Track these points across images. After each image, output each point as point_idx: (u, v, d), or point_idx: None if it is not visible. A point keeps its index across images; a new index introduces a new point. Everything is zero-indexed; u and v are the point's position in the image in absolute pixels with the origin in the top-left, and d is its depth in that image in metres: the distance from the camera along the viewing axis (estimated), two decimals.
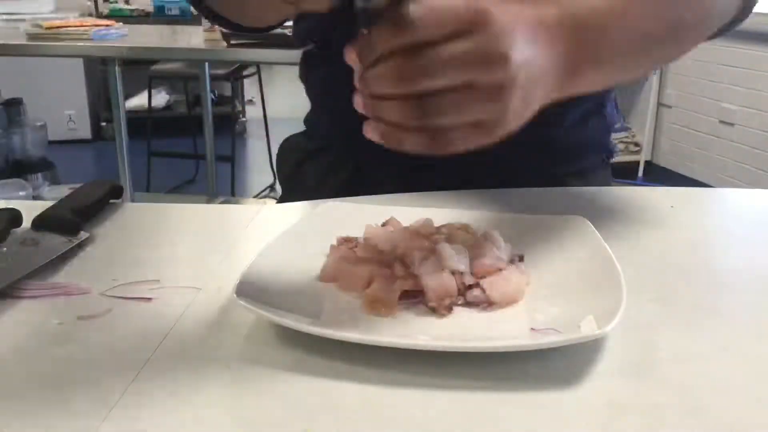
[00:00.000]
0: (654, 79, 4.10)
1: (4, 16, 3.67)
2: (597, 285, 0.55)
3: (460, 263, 0.55)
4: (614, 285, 0.53)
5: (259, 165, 4.43)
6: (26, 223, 0.69)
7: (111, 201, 0.78)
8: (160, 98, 4.94)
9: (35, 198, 2.95)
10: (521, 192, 0.82)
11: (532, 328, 0.50)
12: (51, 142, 3.66)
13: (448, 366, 0.47)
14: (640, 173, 4.24)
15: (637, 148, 4.24)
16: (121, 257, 0.66)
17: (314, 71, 0.96)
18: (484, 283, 0.55)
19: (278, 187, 4.19)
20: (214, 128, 3.52)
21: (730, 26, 0.72)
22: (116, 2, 4.81)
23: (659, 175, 4.21)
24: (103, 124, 4.99)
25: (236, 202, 3.52)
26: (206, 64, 3.42)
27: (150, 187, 3.83)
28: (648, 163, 4.27)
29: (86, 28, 2.51)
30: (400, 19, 0.46)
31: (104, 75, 4.22)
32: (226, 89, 4.79)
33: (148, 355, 0.49)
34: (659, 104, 4.22)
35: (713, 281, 0.61)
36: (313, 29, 0.92)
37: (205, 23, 2.51)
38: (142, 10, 4.76)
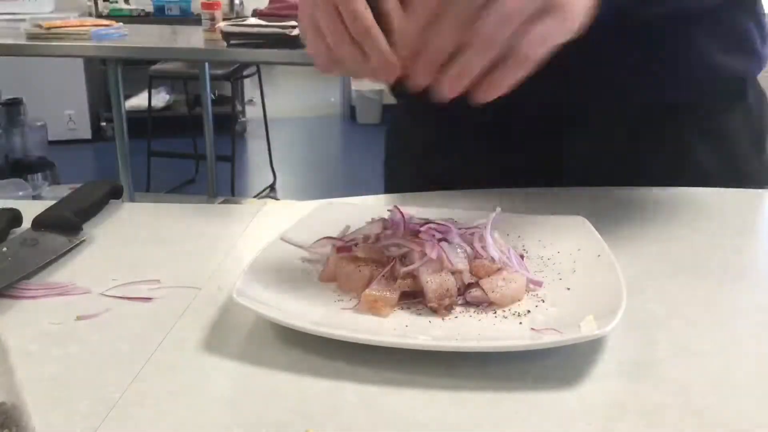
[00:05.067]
0: None
1: (4, 16, 3.67)
2: (597, 285, 0.55)
3: (460, 263, 0.55)
4: (614, 285, 0.53)
5: (259, 165, 4.44)
6: (26, 223, 0.69)
7: (111, 201, 0.78)
8: (160, 98, 4.94)
9: (35, 198, 2.95)
10: (521, 192, 0.82)
11: (532, 328, 0.50)
12: (51, 142, 3.66)
13: (448, 366, 0.47)
14: None
15: None
16: (121, 257, 0.66)
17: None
18: (484, 283, 0.55)
19: (279, 186, 4.16)
20: (214, 128, 3.52)
21: None
22: (116, 2, 4.80)
23: None
24: (103, 124, 4.99)
25: (236, 202, 3.51)
26: (206, 64, 3.42)
27: (150, 187, 3.83)
28: None
29: (86, 28, 2.51)
30: None
31: (104, 75, 4.22)
32: (226, 89, 4.79)
33: (148, 355, 0.49)
34: None
35: (713, 281, 0.61)
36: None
37: (205, 23, 2.51)
38: (142, 10, 4.76)
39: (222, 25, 2.39)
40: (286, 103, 5.90)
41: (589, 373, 0.47)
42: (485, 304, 0.54)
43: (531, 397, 0.44)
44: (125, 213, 0.77)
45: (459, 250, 0.57)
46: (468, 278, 0.55)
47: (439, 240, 0.57)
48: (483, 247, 0.58)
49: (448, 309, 0.53)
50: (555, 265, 0.60)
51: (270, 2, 2.82)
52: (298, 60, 2.45)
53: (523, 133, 0.81)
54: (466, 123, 0.83)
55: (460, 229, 0.60)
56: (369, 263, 0.57)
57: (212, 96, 3.92)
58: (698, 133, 0.81)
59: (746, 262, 0.65)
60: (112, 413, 0.43)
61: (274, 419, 0.42)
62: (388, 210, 0.62)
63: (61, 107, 4.78)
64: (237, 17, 4.32)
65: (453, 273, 0.55)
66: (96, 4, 4.75)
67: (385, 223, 0.61)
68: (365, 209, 0.69)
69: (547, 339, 0.48)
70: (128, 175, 2.64)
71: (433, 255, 0.55)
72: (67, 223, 0.69)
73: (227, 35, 2.33)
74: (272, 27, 2.32)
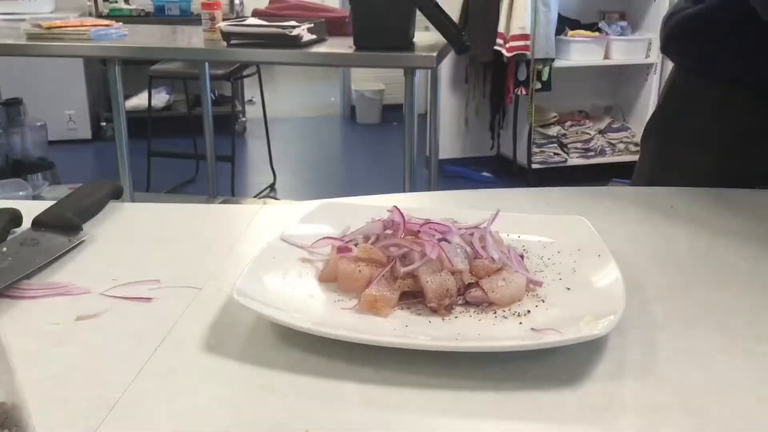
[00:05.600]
0: (654, 79, 4.10)
1: (4, 16, 3.67)
2: (597, 285, 0.55)
3: (460, 263, 0.55)
4: (614, 285, 0.53)
5: (259, 165, 4.43)
6: (26, 223, 0.69)
7: (111, 201, 0.78)
8: (160, 98, 4.94)
9: (35, 198, 2.95)
10: (521, 192, 0.82)
11: (532, 328, 0.50)
12: (51, 142, 3.65)
13: (448, 366, 0.47)
14: None
15: (637, 148, 4.24)
16: (121, 257, 0.66)
17: None
18: (484, 283, 0.55)
19: (279, 186, 4.14)
20: (214, 128, 3.52)
21: None
22: (116, 2, 4.80)
23: None
24: (103, 124, 4.98)
25: (236, 202, 3.52)
26: (206, 64, 3.42)
27: (150, 187, 3.83)
28: None
29: (86, 28, 2.50)
30: None
31: (104, 75, 4.22)
32: (226, 89, 4.79)
33: (148, 355, 0.49)
34: None
35: (713, 281, 0.61)
36: None
37: (205, 23, 2.51)
38: (142, 10, 4.75)
39: (222, 25, 2.39)
40: (286, 103, 5.89)
41: (589, 373, 0.47)
42: (485, 304, 0.54)
43: (531, 397, 0.44)
44: (125, 213, 0.77)
45: (459, 250, 0.57)
46: (468, 278, 0.55)
47: (439, 240, 0.57)
48: (483, 247, 0.58)
49: (448, 309, 0.53)
50: (555, 265, 0.60)
51: (270, 2, 2.82)
52: (298, 60, 2.44)
53: None
54: None
55: (460, 229, 0.60)
56: (369, 263, 0.57)
57: (212, 96, 3.92)
58: None
59: (746, 262, 0.65)
60: (112, 413, 0.43)
61: (274, 419, 0.42)
62: (388, 210, 0.62)
63: (61, 107, 4.78)
64: (237, 17, 4.32)
65: (453, 273, 0.55)
66: (96, 4, 4.75)
67: (385, 223, 0.61)
68: (365, 209, 0.69)
69: (547, 339, 0.48)
70: (128, 175, 2.64)
71: (433, 255, 0.55)
72: (67, 223, 0.69)
73: (227, 35, 2.33)
74: (272, 27, 2.32)
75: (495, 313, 0.53)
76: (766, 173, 0.90)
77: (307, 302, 0.55)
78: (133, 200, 2.75)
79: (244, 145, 4.97)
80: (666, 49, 1.00)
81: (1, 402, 0.36)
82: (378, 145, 5.05)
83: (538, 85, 3.91)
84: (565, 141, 4.15)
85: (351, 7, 2.20)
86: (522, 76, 3.92)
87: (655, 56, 4.05)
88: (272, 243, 0.61)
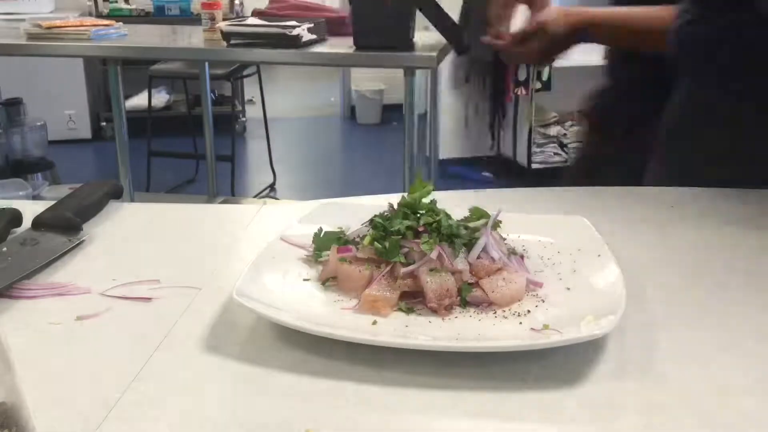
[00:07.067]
0: None
1: (4, 16, 3.68)
2: (597, 285, 0.55)
3: (460, 263, 0.55)
4: (614, 285, 0.53)
5: (259, 165, 4.43)
6: (26, 223, 0.69)
7: (111, 201, 0.78)
8: (160, 98, 4.94)
9: (35, 198, 2.95)
10: (521, 192, 0.82)
11: (532, 328, 0.50)
12: (51, 142, 3.65)
13: (448, 366, 0.47)
14: None
15: None
16: (121, 257, 0.66)
17: None
18: (484, 283, 0.55)
19: (279, 186, 4.13)
20: (214, 128, 3.52)
21: None
22: (116, 2, 4.80)
23: None
24: (103, 124, 4.98)
25: (236, 202, 3.52)
26: (206, 64, 3.42)
27: (150, 187, 3.83)
28: None
29: (86, 28, 2.50)
30: None
31: (104, 75, 4.22)
32: (226, 89, 4.79)
33: (148, 355, 0.49)
34: None
35: (713, 281, 0.61)
36: None
37: (205, 23, 2.51)
38: (142, 10, 4.75)
39: (222, 25, 2.39)
40: (286, 103, 5.89)
41: (589, 373, 0.47)
42: (485, 304, 0.54)
43: (531, 397, 0.44)
44: (125, 213, 0.77)
45: (459, 250, 0.57)
46: (468, 278, 0.55)
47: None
48: (483, 247, 0.57)
49: (448, 309, 0.53)
50: (555, 265, 0.60)
51: (270, 2, 2.82)
52: (298, 60, 2.44)
53: None
54: None
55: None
56: (369, 263, 0.57)
57: (212, 96, 3.92)
58: None
59: (746, 262, 0.65)
60: (112, 413, 0.43)
61: (274, 419, 0.42)
62: (386, 211, 0.62)
63: (61, 107, 4.77)
64: (237, 17, 4.32)
65: (453, 273, 0.55)
66: (96, 3, 4.75)
67: None
68: (365, 209, 0.69)
69: (547, 339, 0.48)
70: (128, 175, 2.64)
71: (433, 255, 0.55)
72: (67, 223, 0.69)
73: (227, 35, 2.33)
74: (272, 27, 2.32)
75: (495, 313, 0.53)
76: None
77: (307, 302, 0.55)
78: (133, 200, 2.75)
79: (244, 145, 4.96)
80: (677, 61, 1.00)
81: (1, 402, 0.36)
82: (378, 145, 5.04)
83: (539, 85, 3.90)
84: (565, 141, 4.14)
85: (351, 7, 2.20)
86: (522, 76, 3.91)
87: None
88: (272, 243, 0.61)
